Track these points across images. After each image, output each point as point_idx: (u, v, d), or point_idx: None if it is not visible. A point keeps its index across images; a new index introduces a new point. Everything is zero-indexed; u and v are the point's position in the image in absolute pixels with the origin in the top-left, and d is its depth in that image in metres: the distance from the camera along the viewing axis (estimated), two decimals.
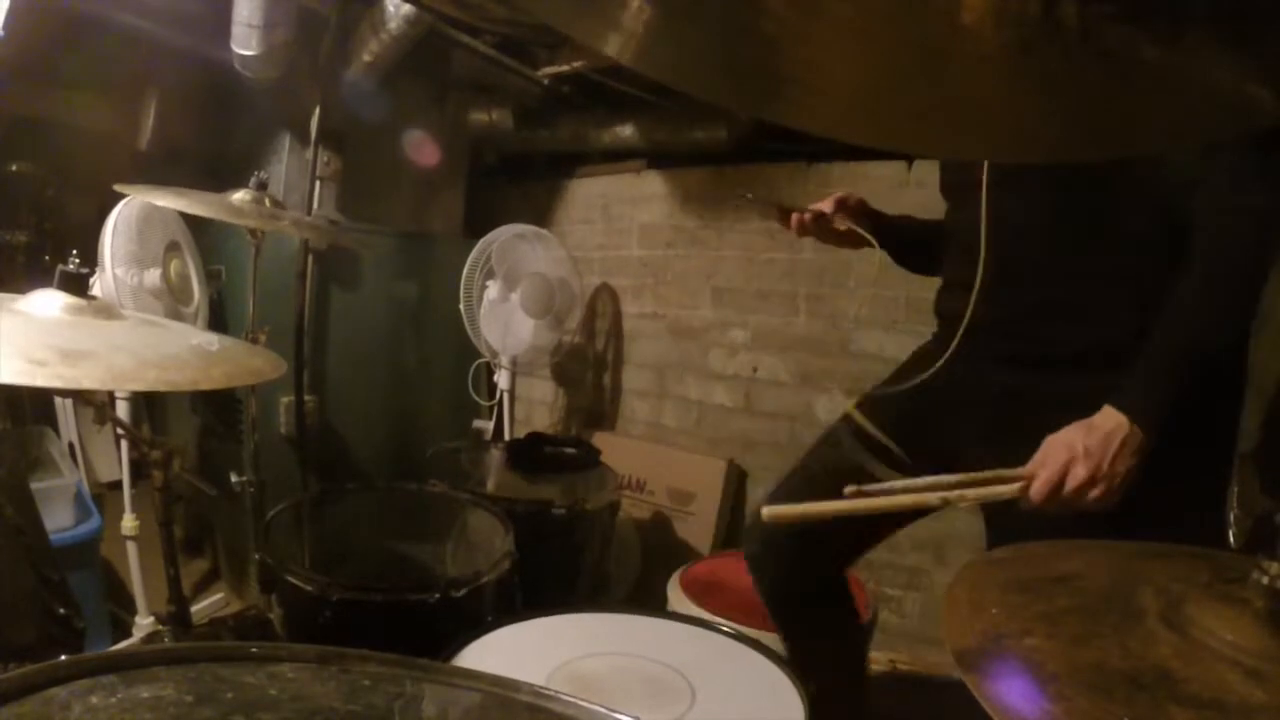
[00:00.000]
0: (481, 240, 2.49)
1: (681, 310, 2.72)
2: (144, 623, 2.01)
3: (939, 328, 1.22)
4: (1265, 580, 0.58)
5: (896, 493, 0.95)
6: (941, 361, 1.05)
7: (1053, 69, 0.38)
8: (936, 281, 1.28)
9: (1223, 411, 1.14)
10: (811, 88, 0.44)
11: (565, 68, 2.51)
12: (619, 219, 2.91)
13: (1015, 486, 0.93)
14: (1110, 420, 0.92)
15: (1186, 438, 0.98)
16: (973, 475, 0.94)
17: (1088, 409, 0.94)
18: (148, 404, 2.71)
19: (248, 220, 1.55)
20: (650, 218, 2.81)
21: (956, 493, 0.92)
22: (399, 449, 2.64)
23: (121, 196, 1.73)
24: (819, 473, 1.23)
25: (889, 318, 2.22)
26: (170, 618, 1.26)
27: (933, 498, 0.92)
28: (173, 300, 1.97)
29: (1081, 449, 0.91)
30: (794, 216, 1.26)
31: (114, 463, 2.52)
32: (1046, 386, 1.02)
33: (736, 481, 2.54)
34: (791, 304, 2.44)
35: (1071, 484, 0.91)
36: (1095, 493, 0.92)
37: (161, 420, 2.90)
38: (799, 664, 1.08)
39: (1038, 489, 0.92)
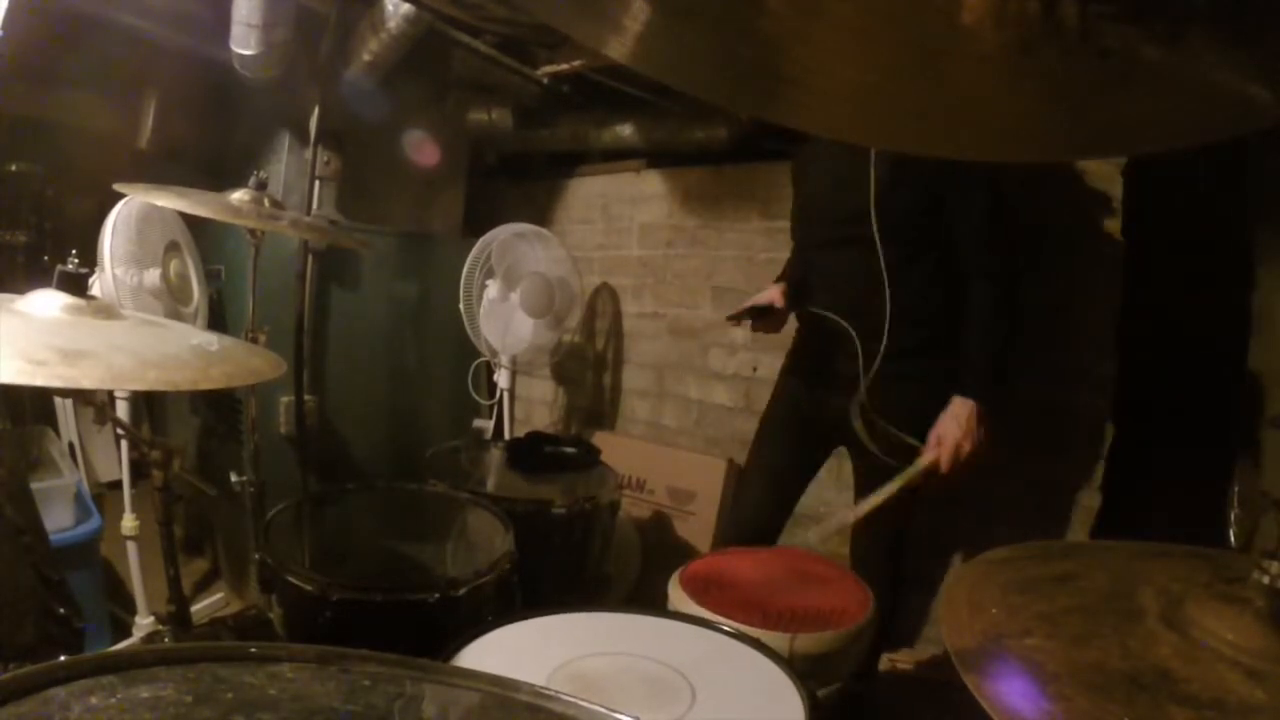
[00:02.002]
0: (481, 239, 2.49)
1: (681, 310, 2.72)
2: (144, 623, 2.01)
3: (810, 335, 1.82)
4: (1265, 580, 0.58)
5: (871, 501, 1.48)
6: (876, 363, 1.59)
7: (1053, 69, 0.38)
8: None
9: (1223, 411, 1.18)
10: (812, 88, 0.44)
11: (565, 67, 2.51)
12: (619, 218, 2.91)
13: (928, 465, 1.48)
14: (963, 407, 1.51)
15: (1187, 438, 1.02)
16: (904, 476, 1.47)
17: (920, 380, 1.58)
18: (148, 404, 2.71)
19: (247, 220, 1.55)
20: (650, 217, 2.81)
21: (898, 486, 1.46)
22: (399, 449, 2.64)
23: (121, 196, 1.73)
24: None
25: None
26: (170, 618, 1.26)
27: (885, 496, 1.46)
28: (172, 300, 1.96)
29: (959, 430, 1.48)
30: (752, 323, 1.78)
31: (114, 463, 2.52)
32: (898, 368, 1.57)
33: (736, 481, 2.54)
34: None
35: (964, 452, 1.48)
36: (973, 450, 1.49)
37: (161, 420, 2.90)
38: None
39: (945, 464, 1.48)
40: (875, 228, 1.55)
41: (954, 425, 1.48)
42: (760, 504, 1.84)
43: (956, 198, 1.55)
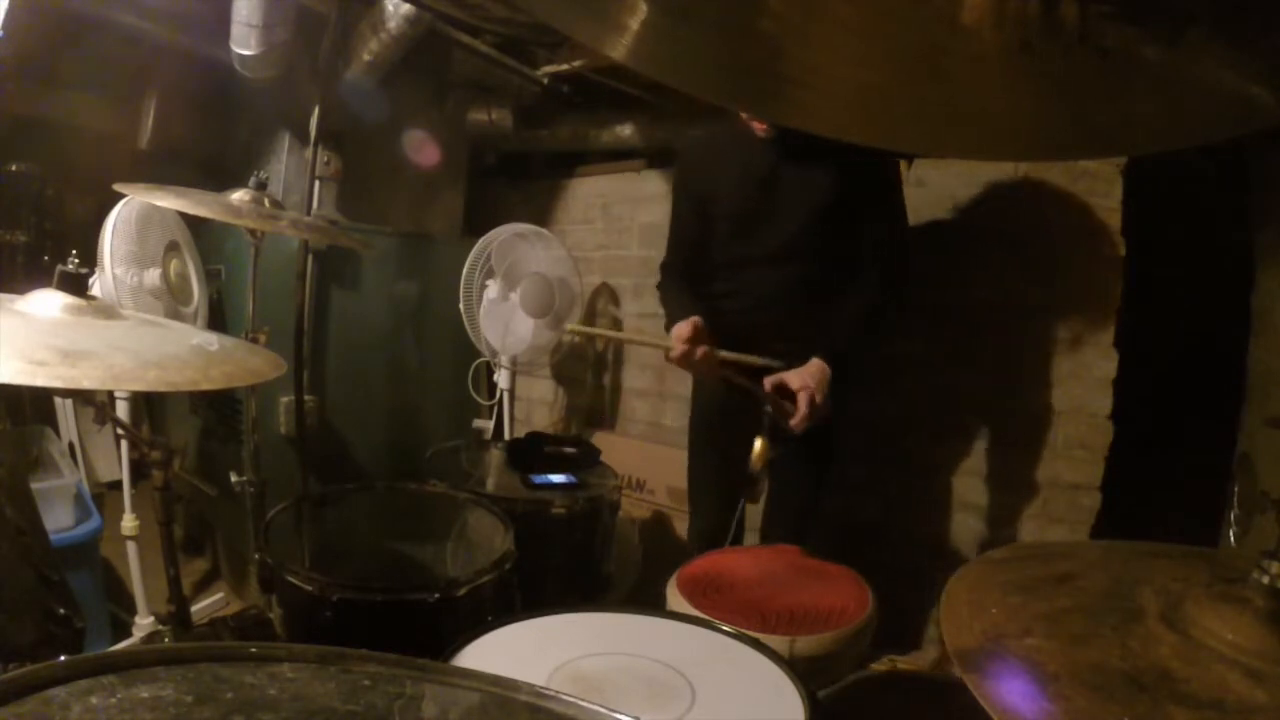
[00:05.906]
0: (481, 240, 2.49)
1: None
2: (144, 623, 2.01)
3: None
4: (1265, 580, 0.58)
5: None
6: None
7: (1053, 69, 0.38)
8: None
9: (1222, 411, 1.17)
10: (812, 88, 0.44)
11: (565, 67, 2.51)
12: (619, 218, 2.91)
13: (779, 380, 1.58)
14: (821, 369, 1.59)
15: (1187, 437, 1.02)
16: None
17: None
18: (148, 404, 2.71)
19: (247, 220, 1.55)
20: (650, 217, 2.80)
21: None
22: (399, 449, 2.64)
23: (121, 196, 1.73)
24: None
25: None
26: (170, 618, 1.26)
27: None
28: (172, 300, 1.96)
29: (813, 383, 1.56)
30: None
31: (114, 463, 2.52)
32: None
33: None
34: None
35: (817, 400, 1.55)
36: (822, 403, 1.56)
37: (161, 420, 2.90)
38: None
39: (804, 408, 1.53)
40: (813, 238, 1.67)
41: (812, 379, 1.58)
42: (717, 509, 1.87)
43: (869, 197, 1.65)
